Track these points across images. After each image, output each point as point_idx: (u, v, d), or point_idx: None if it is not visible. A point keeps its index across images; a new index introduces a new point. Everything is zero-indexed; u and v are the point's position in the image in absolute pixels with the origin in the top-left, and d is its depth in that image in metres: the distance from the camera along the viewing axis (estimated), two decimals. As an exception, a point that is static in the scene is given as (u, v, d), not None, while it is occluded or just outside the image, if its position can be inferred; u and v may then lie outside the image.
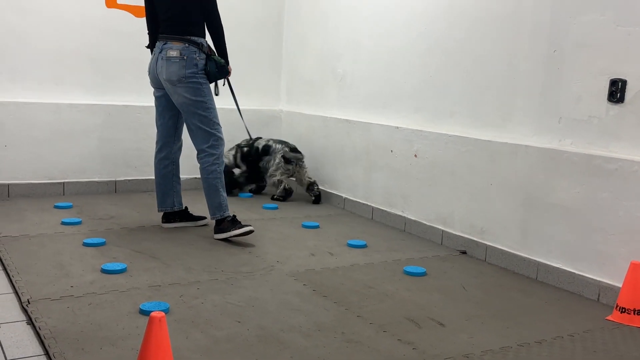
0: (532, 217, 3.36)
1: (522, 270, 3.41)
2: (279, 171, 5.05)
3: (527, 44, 3.41)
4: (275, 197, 5.08)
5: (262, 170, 5.17)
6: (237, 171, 5.24)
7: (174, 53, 3.68)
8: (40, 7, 4.65)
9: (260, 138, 5.21)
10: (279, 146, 5.14)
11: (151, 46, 3.93)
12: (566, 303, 3.01)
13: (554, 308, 2.94)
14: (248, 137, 5.09)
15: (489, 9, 3.63)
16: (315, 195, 5.05)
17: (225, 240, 3.76)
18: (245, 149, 5.17)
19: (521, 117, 3.47)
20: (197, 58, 3.70)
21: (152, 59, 3.85)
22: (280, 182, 5.05)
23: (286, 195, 5.07)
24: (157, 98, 3.95)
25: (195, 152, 3.83)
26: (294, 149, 5.15)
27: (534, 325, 2.71)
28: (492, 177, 3.59)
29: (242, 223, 3.80)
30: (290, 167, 5.07)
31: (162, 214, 4.03)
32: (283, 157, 5.02)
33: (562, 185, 3.20)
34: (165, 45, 3.71)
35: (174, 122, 3.95)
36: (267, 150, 5.12)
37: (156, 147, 4.00)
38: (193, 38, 3.71)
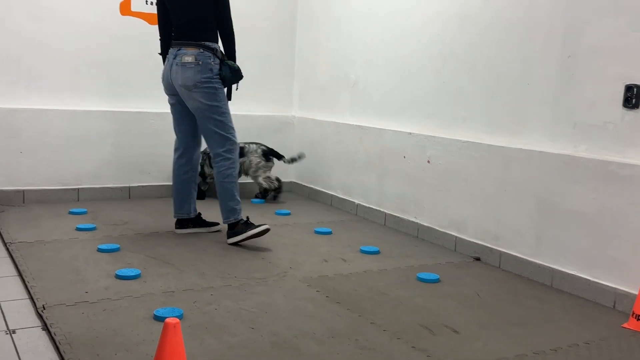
0: (547, 224, 3.34)
1: (537, 277, 3.38)
2: (260, 170, 5.14)
3: (540, 49, 3.40)
4: (271, 195, 5.24)
5: (240, 173, 5.13)
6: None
7: (189, 59, 3.69)
8: (57, 15, 4.70)
9: None
10: (253, 146, 5.17)
11: (164, 53, 3.94)
12: (582, 310, 2.98)
13: (570, 315, 2.91)
14: None
15: (502, 14, 3.62)
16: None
17: (238, 244, 3.77)
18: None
19: (535, 122, 3.45)
20: (212, 63, 3.72)
21: (165, 66, 3.86)
22: (268, 179, 5.16)
23: (280, 187, 5.23)
24: (172, 105, 3.97)
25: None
26: (270, 149, 5.25)
27: (549, 332, 2.69)
28: (506, 183, 3.57)
29: (256, 223, 3.82)
30: (270, 164, 5.20)
31: (175, 219, 4.05)
32: (263, 154, 5.15)
33: (577, 192, 3.18)
34: (179, 52, 3.73)
35: (193, 128, 3.94)
36: (240, 152, 4.91)
37: (176, 154, 3.99)
38: (207, 43, 3.72)
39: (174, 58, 3.76)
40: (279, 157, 5.31)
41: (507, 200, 3.57)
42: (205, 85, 3.71)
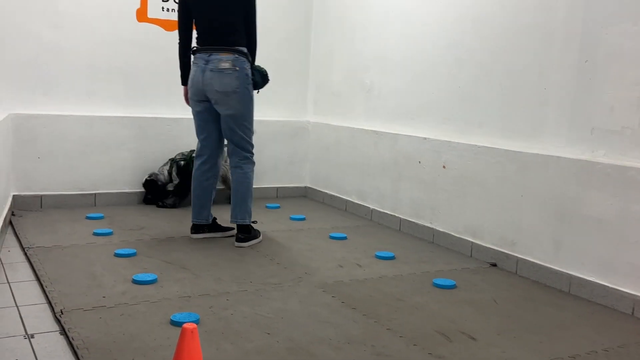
0: (565, 230, 3.31)
1: (554, 283, 3.35)
2: None
3: (558, 54, 3.38)
4: None
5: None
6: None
7: (226, 64, 3.69)
8: (74, 22, 4.76)
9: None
10: (226, 149, 5.04)
11: (185, 57, 3.87)
12: (600, 317, 2.95)
13: (588, 322, 2.88)
14: (183, 152, 5.02)
15: (519, 19, 3.61)
16: None
17: (251, 249, 3.79)
18: (182, 162, 4.96)
19: (552, 127, 3.43)
20: (247, 68, 3.76)
21: (196, 72, 3.76)
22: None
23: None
24: (198, 113, 3.89)
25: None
26: None
27: (567, 339, 2.66)
28: (523, 188, 3.55)
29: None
30: None
31: (191, 224, 4.06)
32: None
33: (595, 197, 3.15)
34: (211, 57, 3.70)
35: (219, 134, 3.93)
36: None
37: (199, 160, 3.97)
38: (240, 48, 3.74)
39: (206, 63, 3.72)
40: None
41: (524, 205, 3.55)
42: (242, 91, 3.74)
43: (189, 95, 3.86)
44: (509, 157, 3.63)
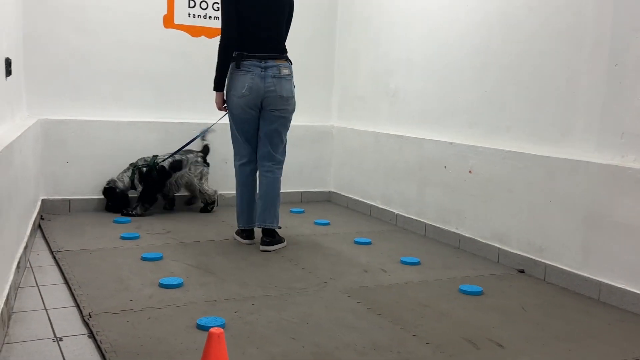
0: (594, 236, 3.25)
1: (584, 290, 3.29)
2: (205, 178, 4.96)
3: (587, 58, 3.33)
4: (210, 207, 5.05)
5: (171, 188, 4.91)
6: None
7: (286, 71, 3.83)
8: (101, 28, 4.83)
9: (157, 156, 4.85)
10: (191, 156, 4.92)
11: (226, 65, 3.81)
12: (631, 325, 2.89)
13: (618, 330, 2.83)
14: (145, 157, 4.85)
15: (547, 23, 3.56)
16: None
17: (276, 253, 3.80)
18: (145, 168, 4.79)
19: (581, 132, 3.38)
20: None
21: (252, 79, 3.74)
22: (215, 192, 5.04)
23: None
24: (247, 120, 3.87)
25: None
26: (203, 153, 5.04)
27: (597, 347, 2.61)
28: (551, 194, 3.50)
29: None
30: (208, 169, 5.02)
31: (242, 230, 4.07)
32: (203, 160, 4.98)
33: (625, 203, 3.09)
34: (267, 64, 3.75)
35: (257, 140, 3.97)
36: (178, 165, 4.86)
37: (245, 167, 3.99)
38: (288, 56, 3.90)
39: (265, 70, 3.75)
40: (207, 153, 5.08)
41: (552, 211, 3.50)
42: (294, 97, 3.92)
43: (239, 103, 3.81)
44: (537, 162, 3.58)
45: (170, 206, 5.06)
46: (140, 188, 4.78)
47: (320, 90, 5.78)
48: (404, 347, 2.52)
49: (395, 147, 4.87)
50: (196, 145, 4.95)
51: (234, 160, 4.05)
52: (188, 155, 4.91)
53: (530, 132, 3.69)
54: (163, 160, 4.81)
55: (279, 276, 3.39)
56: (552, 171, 3.49)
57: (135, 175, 4.78)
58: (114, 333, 2.52)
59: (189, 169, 4.90)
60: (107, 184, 4.77)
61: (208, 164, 5.02)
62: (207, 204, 5.01)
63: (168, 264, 3.51)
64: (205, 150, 5.07)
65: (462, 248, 4.14)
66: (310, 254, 3.86)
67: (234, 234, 4.18)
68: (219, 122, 4.52)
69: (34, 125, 4.18)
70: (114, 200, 4.78)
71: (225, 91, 3.89)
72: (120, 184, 4.75)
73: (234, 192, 5.39)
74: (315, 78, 5.71)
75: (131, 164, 4.82)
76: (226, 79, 3.85)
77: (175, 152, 4.81)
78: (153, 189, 4.79)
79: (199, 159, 4.96)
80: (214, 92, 3.92)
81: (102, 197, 4.84)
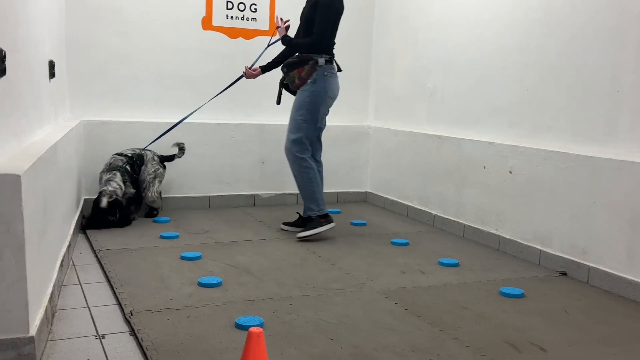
0: (639, 237, 3.17)
1: (628, 293, 3.20)
2: (157, 180, 4.64)
3: (632, 54, 3.24)
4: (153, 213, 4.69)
5: (140, 184, 4.61)
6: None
7: None
8: (142, 30, 4.90)
9: (122, 152, 4.63)
10: (149, 153, 4.70)
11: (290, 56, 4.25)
12: (680, 331, 2.80)
13: (667, 336, 2.74)
14: (110, 162, 4.51)
15: (591, 20, 3.48)
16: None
17: (313, 253, 3.80)
18: (128, 166, 4.52)
19: (626, 132, 3.28)
20: None
21: (336, 81, 4.25)
22: (159, 194, 4.73)
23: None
24: (324, 118, 4.31)
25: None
26: (162, 155, 4.76)
27: (644, 353, 2.54)
28: (595, 194, 3.41)
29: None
30: (164, 172, 4.74)
31: (323, 213, 4.24)
32: (160, 160, 4.70)
33: (673, 204, 3.00)
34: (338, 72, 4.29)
35: None
36: (141, 159, 4.63)
37: (309, 153, 4.24)
38: None
39: (337, 72, 4.27)
40: (173, 158, 4.83)
41: (596, 212, 3.41)
42: None
43: (329, 103, 4.27)
44: (580, 162, 3.50)
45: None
46: (132, 191, 4.49)
47: (357, 90, 5.76)
48: (443, 350, 2.49)
49: (432, 147, 4.82)
50: (164, 145, 4.81)
51: (301, 152, 4.20)
52: (147, 152, 4.69)
53: (573, 131, 3.61)
54: (135, 153, 4.61)
55: (316, 276, 3.39)
56: (596, 171, 3.40)
57: (127, 176, 4.45)
58: (155, 331, 2.55)
59: (146, 166, 4.63)
60: (110, 198, 4.27)
61: (165, 167, 4.74)
62: (151, 209, 4.70)
63: (207, 263, 3.55)
64: (182, 150, 4.88)
65: (502, 250, 4.07)
66: (347, 255, 3.85)
67: (308, 231, 4.18)
68: (232, 121, 4.58)
69: (76, 126, 4.27)
70: (123, 211, 4.36)
71: (313, 88, 4.15)
72: (119, 192, 4.33)
73: (270, 192, 5.43)
74: (352, 78, 5.68)
75: (118, 167, 4.43)
76: (315, 76, 4.13)
77: (150, 143, 4.74)
78: (138, 189, 4.59)
79: (157, 158, 4.69)
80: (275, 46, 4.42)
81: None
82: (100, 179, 4.46)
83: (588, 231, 3.46)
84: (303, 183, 4.21)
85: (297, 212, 4.54)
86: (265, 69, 4.43)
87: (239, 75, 4.61)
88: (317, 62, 4.12)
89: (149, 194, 4.61)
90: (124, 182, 4.40)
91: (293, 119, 4.22)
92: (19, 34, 2.60)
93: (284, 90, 4.33)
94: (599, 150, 3.43)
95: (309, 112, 4.15)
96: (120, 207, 4.33)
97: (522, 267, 3.71)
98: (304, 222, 4.32)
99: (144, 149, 4.72)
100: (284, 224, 4.48)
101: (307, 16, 4.18)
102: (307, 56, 4.12)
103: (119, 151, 4.63)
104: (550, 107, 3.77)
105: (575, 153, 3.53)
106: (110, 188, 4.31)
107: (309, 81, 4.13)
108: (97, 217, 4.27)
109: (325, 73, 4.14)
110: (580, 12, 3.55)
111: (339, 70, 4.28)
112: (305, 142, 4.19)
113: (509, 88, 4.08)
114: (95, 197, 4.39)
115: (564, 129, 3.67)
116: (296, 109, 4.20)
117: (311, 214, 4.22)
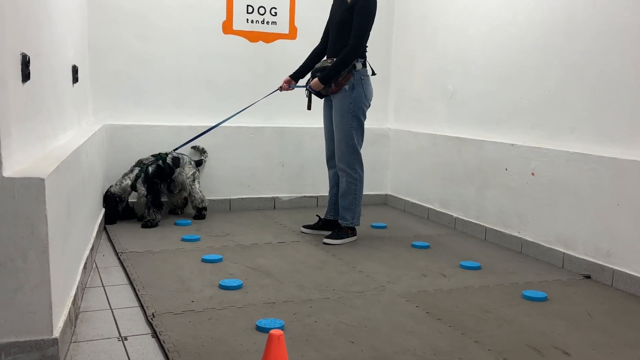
0: (666, 240, 3.11)
1: (655, 297, 3.15)
2: (197, 181, 4.75)
3: (657, 54, 3.19)
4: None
5: (177, 186, 4.71)
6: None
7: None
8: (163, 35, 4.95)
9: (160, 153, 4.72)
10: (185, 157, 4.77)
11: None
12: None
13: (694, 340, 2.69)
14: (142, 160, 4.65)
15: (615, 19, 3.43)
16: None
17: (333, 256, 3.79)
18: (152, 167, 4.57)
19: (651, 132, 3.23)
20: None
21: (371, 82, 4.21)
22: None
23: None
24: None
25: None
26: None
27: (671, 358, 2.49)
28: (619, 196, 3.36)
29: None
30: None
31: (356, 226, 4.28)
32: (196, 163, 4.84)
33: (701, 206, 2.94)
34: None
35: None
36: (177, 162, 4.69)
37: (361, 165, 4.22)
38: None
39: (373, 75, 4.23)
40: (201, 162, 5.00)
41: (620, 214, 3.36)
42: None
43: (367, 105, 4.18)
44: (604, 163, 3.45)
45: (180, 210, 4.94)
46: (143, 191, 4.51)
47: (376, 92, 5.65)
48: (465, 354, 2.47)
49: (453, 149, 4.79)
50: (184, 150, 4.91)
51: (358, 169, 4.16)
52: (183, 156, 4.75)
53: (597, 132, 3.56)
54: (167, 155, 4.66)
55: (336, 279, 3.39)
56: (620, 173, 3.35)
57: (142, 175, 4.52)
58: (176, 333, 2.57)
59: (183, 169, 4.70)
60: (106, 192, 4.51)
61: (198, 168, 4.88)
62: (200, 209, 4.79)
63: (227, 266, 3.56)
64: (204, 153, 5.03)
65: (525, 252, 4.03)
66: (367, 258, 3.84)
67: (335, 240, 4.16)
68: (252, 124, 4.55)
69: (99, 130, 4.32)
70: (110, 207, 4.49)
71: (354, 94, 4.07)
72: (115, 188, 4.49)
73: (291, 195, 5.45)
74: (371, 80, 5.67)
75: (137, 164, 4.61)
76: (353, 81, 4.05)
77: (181, 146, 4.81)
78: (159, 189, 4.58)
79: (193, 162, 4.78)
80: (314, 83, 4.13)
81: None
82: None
83: (612, 234, 3.41)
84: (348, 193, 4.15)
85: (317, 215, 4.54)
86: (298, 76, 4.38)
87: (275, 89, 4.54)
88: (354, 67, 4.03)
89: (196, 195, 4.73)
90: (136, 178, 4.51)
91: (341, 129, 4.09)
92: (42, 39, 2.64)
93: (312, 94, 4.23)
94: (622, 151, 3.38)
95: (356, 118, 4.07)
96: (108, 202, 4.50)
97: (545, 270, 3.66)
98: (327, 224, 4.32)
99: (178, 152, 4.77)
100: (304, 227, 4.48)
101: (342, 18, 4.02)
102: None
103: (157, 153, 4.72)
104: (572, 107, 3.72)
105: (599, 154, 3.49)
106: (119, 188, 4.52)
107: (346, 87, 4.03)
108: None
109: (362, 77, 4.07)
110: (602, 10, 3.50)
111: (374, 74, 4.20)
112: (359, 149, 4.14)
113: (531, 89, 4.04)
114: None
115: (587, 130, 3.62)
116: (341, 117, 4.07)
117: (343, 223, 4.20)
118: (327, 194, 4.48)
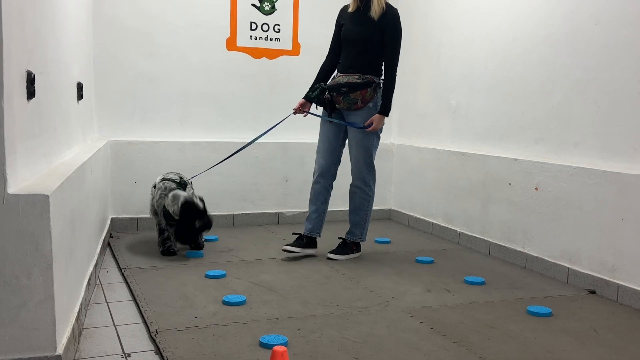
0: (671, 255, 3.09)
1: (661, 313, 3.13)
2: None
3: (660, 69, 3.20)
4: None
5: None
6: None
7: None
8: (168, 52, 4.99)
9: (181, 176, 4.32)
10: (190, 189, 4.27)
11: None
12: None
13: (701, 356, 2.66)
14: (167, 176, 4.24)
15: (619, 34, 3.44)
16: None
17: (337, 271, 3.78)
18: (197, 198, 4.04)
19: (655, 147, 3.23)
20: None
21: None
22: None
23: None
24: None
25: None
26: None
27: (678, 375, 2.47)
28: (624, 211, 3.35)
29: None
30: None
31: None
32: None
33: None
34: None
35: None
36: (185, 184, 4.22)
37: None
38: None
39: None
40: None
41: (625, 229, 3.35)
42: None
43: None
44: (608, 178, 3.44)
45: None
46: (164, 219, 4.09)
47: (380, 107, 5.75)
48: (470, 370, 2.45)
49: (457, 164, 4.79)
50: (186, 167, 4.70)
51: (372, 186, 4.18)
52: (190, 186, 4.33)
53: (601, 147, 3.56)
54: (193, 195, 4.07)
55: (340, 295, 3.38)
56: (624, 188, 3.35)
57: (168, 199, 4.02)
58: (180, 350, 2.56)
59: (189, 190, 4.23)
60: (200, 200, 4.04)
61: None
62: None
63: (231, 282, 3.56)
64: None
65: (529, 268, 4.01)
66: (371, 273, 3.83)
67: (340, 255, 4.15)
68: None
69: (104, 146, 4.35)
70: (190, 219, 3.96)
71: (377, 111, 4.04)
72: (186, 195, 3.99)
73: (294, 210, 5.45)
74: (375, 96, 5.70)
75: (162, 183, 4.13)
76: (376, 99, 4.04)
77: (200, 173, 4.48)
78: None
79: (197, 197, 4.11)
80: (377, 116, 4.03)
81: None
82: (157, 200, 4.11)
83: (617, 248, 3.39)
84: (360, 209, 4.15)
85: (297, 233, 4.26)
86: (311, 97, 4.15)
87: (289, 113, 4.39)
88: (379, 85, 4.03)
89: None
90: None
91: (362, 146, 4.03)
92: (48, 57, 2.67)
93: (315, 105, 4.16)
94: (626, 166, 3.38)
95: (377, 136, 4.10)
96: (189, 214, 3.93)
97: (549, 286, 3.65)
98: (310, 243, 4.17)
99: (190, 180, 4.38)
100: (288, 245, 4.16)
101: (369, 37, 3.97)
102: (370, 78, 3.97)
103: (168, 177, 4.23)
104: (576, 122, 3.73)
105: (603, 169, 3.48)
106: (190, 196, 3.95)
107: (370, 104, 4.01)
108: (190, 223, 3.94)
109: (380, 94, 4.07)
110: (605, 27, 3.52)
111: None
112: (375, 172, 4.19)
113: (534, 104, 4.05)
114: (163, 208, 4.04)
115: (591, 145, 3.62)
116: (363, 134, 4.00)
117: (350, 238, 4.20)
118: (319, 210, 4.17)
